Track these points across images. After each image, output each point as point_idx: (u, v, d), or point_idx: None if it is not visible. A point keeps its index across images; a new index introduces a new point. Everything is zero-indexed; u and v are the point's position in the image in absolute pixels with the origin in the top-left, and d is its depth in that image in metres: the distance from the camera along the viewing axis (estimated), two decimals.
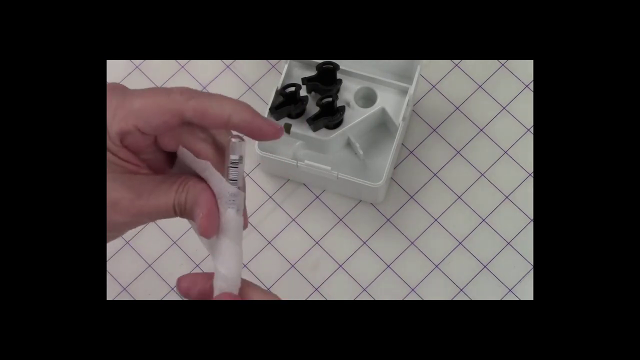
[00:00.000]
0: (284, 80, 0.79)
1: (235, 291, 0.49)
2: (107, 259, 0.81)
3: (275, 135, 0.49)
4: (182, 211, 0.48)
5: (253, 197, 0.83)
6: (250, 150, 0.76)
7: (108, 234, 0.48)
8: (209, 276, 0.51)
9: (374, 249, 0.81)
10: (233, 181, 0.48)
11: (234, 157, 0.48)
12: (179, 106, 0.47)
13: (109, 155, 0.48)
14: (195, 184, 0.48)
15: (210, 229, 0.48)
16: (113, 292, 0.80)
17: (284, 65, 0.79)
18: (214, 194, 0.48)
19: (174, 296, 0.80)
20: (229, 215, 0.48)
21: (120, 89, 0.49)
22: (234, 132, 0.48)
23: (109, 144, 0.48)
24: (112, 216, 0.47)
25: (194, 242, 0.81)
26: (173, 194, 0.48)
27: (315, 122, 0.78)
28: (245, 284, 0.49)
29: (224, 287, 0.49)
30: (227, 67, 0.87)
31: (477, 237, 0.81)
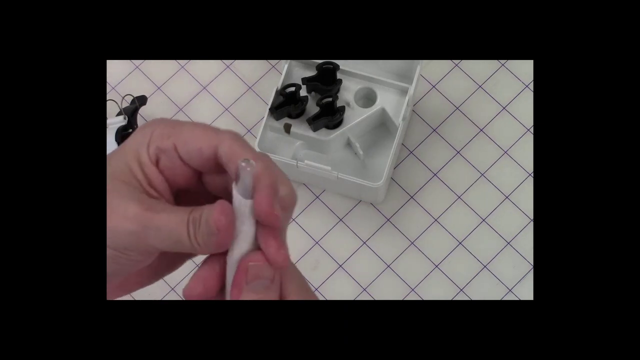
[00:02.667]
0: (284, 80, 0.79)
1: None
2: None
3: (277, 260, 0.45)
4: (196, 226, 0.43)
5: None
6: None
7: (111, 253, 0.44)
8: (211, 267, 0.47)
9: (374, 249, 0.81)
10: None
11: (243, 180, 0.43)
12: (219, 141, 0.44)
13: (136, 172, 0.44)
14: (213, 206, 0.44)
15: (226, 226, 0.43)
16: None
17: (284, 65, 0.79)
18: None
19: (174, 296, 0.80)
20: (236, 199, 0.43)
21: (172, 120, 0.46)
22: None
23: (144, 158, 0.44)
24: (119, 222, 0.43)
25: None
26: (188, 212, 0.43)
27: (315, 122, 0.78)
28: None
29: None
30: (227, 67, 0.87)
31: (477, 237, 0.81)
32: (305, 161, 0.77)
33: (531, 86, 0.85)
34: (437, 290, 0.80)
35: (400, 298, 0.80)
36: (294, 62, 0.80)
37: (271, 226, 0.44)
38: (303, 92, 0.79)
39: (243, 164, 0.42)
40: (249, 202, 0.43)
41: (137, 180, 0.44)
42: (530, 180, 0.82)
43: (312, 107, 0.79)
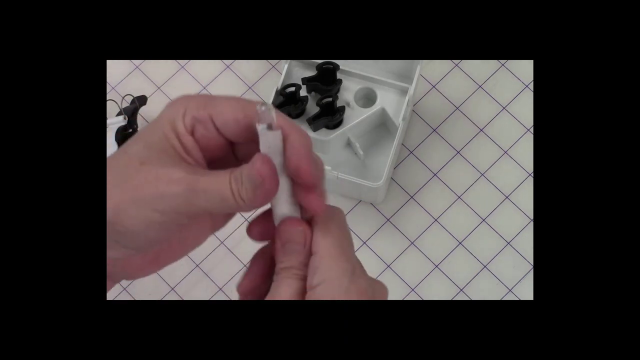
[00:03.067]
0: (284, 80, 0.79)
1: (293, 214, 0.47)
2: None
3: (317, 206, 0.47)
4: (239, 183, 0.44)
5: None
6: None
7: (159, 218, 0.45)
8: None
9: (374, 249, 0.81)
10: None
11: (261, 127, 0.45)
12: (254, 111, 0.45)
13: (173, 141, 0.46)
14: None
15: (270, 173, 0.44)
16: (113, 292, 0.80)
17: (284, 65, 0.79)
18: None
19: (174, 296, 0.80)
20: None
21: (204, 95, 0.47)
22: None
23: (180, 128, 0.46)
24: (167, 187, 0.44)
25: None
26: (229, 174, 0.45)
27: (315, 122, 0.78)
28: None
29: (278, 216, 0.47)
30: (227, 67, 0.87)
31: (477, 237, 0.81)
32: None
33: (531, 86, 0.85)
34: (437, 290, 0.80)
35: (400, 298, 0.80)
36: (294, 62, 0.80)
37: (309, 178, 0.45)
38: (303, 92, 0.79)
39: (262, 107, 0.44)
40: (277, 133, 0.45)
41: (174, 149, 0.46)
42: (530, 180, 0.82)
43: (312, 107, 0.79)
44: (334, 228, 0.47)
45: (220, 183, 0.45)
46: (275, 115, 0.45)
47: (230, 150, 0.48)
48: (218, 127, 0.46)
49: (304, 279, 0.47)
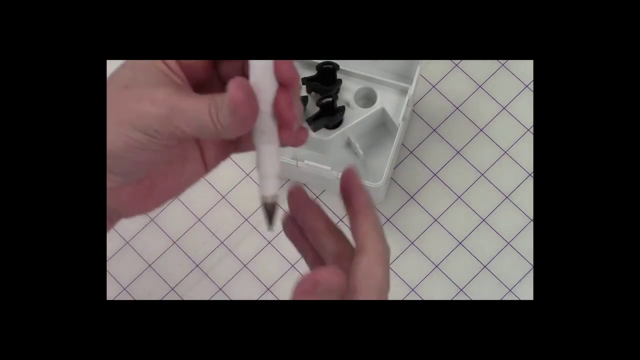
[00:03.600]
0: None
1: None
2: (107, 258, 0.81)
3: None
4: (218, 108, 0.45)
5: (253, 197, 0.83)
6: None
7: (141, 137, 0.45)
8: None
9: None
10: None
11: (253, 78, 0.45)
12: None
13: (158, 63, 0.47)
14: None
15: (245, 102, 0.44)
16: (113, 292, 0.80)
17: None
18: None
19: (174, 296, 0.80)
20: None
21: None
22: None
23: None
24: (148, 107, 0.45)
25: (194, 242, 0.81)
26: (210, 97, 0.45)
27: (315, 122, 0.78)
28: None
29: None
30: None
31: (477, 237, 0.81)
32: (305, 161, 0.76)
33: (531, 86, 0.85)
34: (437, 290, 0.80)
35: (400, 298, 0.80)
36: (294, 62, 0.80)
37: (290, 85, 0.46)
38: (303, 92, 0.79)
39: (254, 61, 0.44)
40: (267, 63, 0.45)
41: (160, 71, 0.47)
42: (530, 180, 0.82)
43: (312, 107, 0.79)
44: (380, 270, 0.48)
45: (199, 105, 0.45)
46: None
47: (215, 74, 0.48)
48: None
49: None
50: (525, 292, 0.79)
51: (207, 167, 0.51)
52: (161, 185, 0.49)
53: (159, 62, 0.47)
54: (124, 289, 0.81)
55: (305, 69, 0.81)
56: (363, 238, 0.48)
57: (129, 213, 0.50)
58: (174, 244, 0.81)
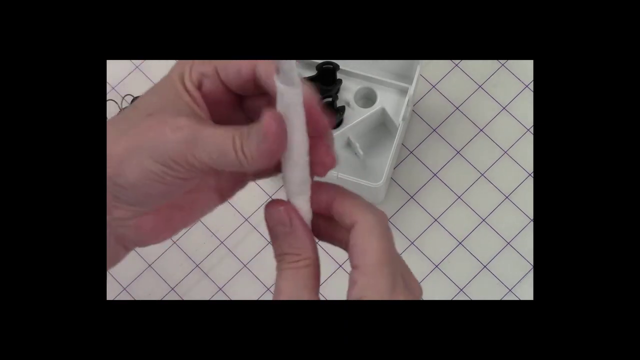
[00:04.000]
0: None
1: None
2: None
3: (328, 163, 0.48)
4: (243, 138, 0.44)
5: (253, 197, 0.83)
6: None
7: (159, 169, 0.44)
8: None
9: None
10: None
11: (280, 83, 0.43)
12: (256, 62, 0.46)
13: (183, 94, 0.46)
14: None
15: (277, 130, 0.43)
16: (113, 292, 0.80)
17: None
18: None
19: (174, 296, 0.80)
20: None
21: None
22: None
23: (188, 83, 0.46)
24: (170, 132, 0.44)
25: (194, 242, 0.81)
26: (234, 128, 0.44)
27: None
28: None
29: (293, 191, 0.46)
30: None
31: (477, 237, 0.81)
32: None
33: (531, 86, 0.85)
34: (437, 290, 0.80)
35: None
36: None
37: (319, 126, 0.46)
38: None
39: (284, 63, 0.42)
40: (297, 90, 0.42)
41: (184, 102, 0.46)
42: (530, 180, 0.82)
43: None
44: (374, 240, 0.47)
45: (223, 136, 0.44)
46: (296, 71, 0.42)
47: (239, 110, 0.48)
48: (223, 79, 0.46)
49: (306, 264, 0.47)
50: (525, 292, 0.79)
51: (222, 198, 0.50)
52: (178, 215, 0.49)
53: (183, 92, 0.46)
54: (124, 289, 0.81)
55: (305, 69, 0.81)
56: (350, 217, 0.47)
57: (145, 241, 0.49)
58: (174, 244, 0.81)
